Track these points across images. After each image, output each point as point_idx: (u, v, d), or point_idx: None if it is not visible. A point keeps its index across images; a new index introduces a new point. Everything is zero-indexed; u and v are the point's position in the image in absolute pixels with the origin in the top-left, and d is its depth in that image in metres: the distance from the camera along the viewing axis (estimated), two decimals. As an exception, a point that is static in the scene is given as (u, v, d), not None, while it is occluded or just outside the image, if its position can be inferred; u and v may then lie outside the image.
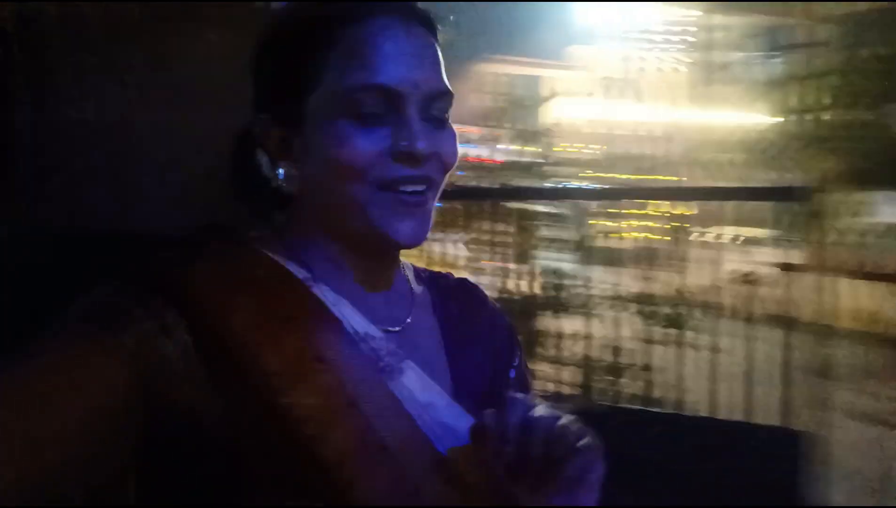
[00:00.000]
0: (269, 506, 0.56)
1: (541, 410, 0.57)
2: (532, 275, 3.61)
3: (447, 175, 0.68)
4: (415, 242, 0.66)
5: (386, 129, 0.63)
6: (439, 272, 0.83)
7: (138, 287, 0.58)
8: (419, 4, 0.67)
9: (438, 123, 0.66)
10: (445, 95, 0.66)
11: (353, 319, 0.66)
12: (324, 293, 0.66)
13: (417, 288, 0.76)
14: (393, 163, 0.63)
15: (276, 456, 0.56)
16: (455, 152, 0.68)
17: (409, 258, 0.79)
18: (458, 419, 0.64)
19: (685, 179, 8.47)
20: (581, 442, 0.56)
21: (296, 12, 0.68)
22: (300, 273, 0.66)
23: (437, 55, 0.67)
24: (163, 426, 0.55)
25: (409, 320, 0.71)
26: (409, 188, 0.64)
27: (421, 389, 0.65)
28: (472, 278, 0.90)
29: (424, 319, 0.74)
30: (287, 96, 0.66)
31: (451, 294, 0.79)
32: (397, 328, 0.69)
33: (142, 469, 0.56)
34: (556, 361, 3.22)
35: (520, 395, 0.59)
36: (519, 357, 0.80)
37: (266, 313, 0.61)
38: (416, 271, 0.80)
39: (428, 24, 0.67)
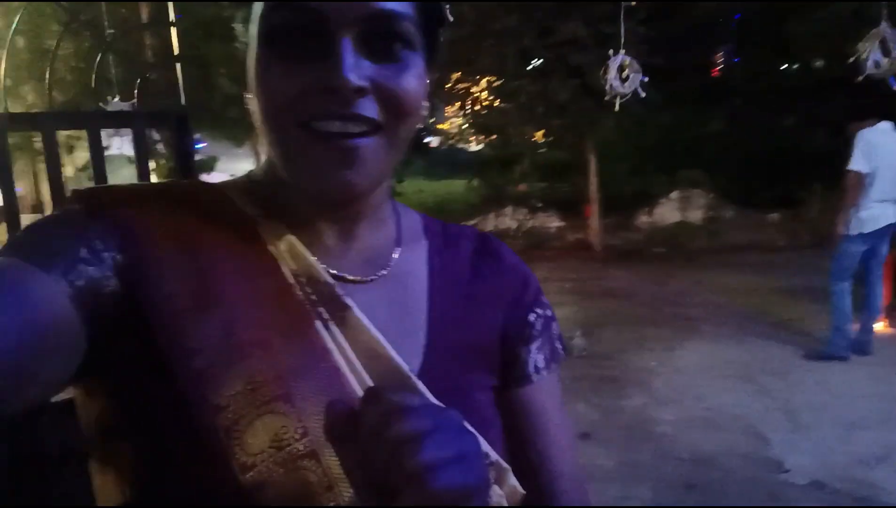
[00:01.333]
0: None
1: (413, 410, 0.44)
2: None
3: (404, 117, 0.57)
4: (342, 192, 0.56)
5: (310, 58, 0.53)
6: (457, 226, 0.75)
7: (71, 213, 0.56)
8: None
9: (385, 53, 0.55)
10: (392, 19, 0.54)
11: (299, 261, 0.60)
12: (271, 233, 0.60)
13: (413, 240, 0.70)
14: (317, 98, 0.53)
15: (165, 392, 0.52)
16: (408, 90, 0.56)
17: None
18: (400, 378, 0.57)
19: None
20: (431, 461, 0.42)
21: None
22: (251, 210, 0.62)
23: None
24: (105, 345, 0.52)
25: (383, 271, 0.65)
26: (336, 128, 0.54)
27: (364, 341, 0.58)
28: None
29: (410, 273, 0.67)
30: (238, 18, 0.59)
31: (457, 249, 0.71)
32: (362, 278, 0.63)
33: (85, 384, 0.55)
34: None
35: (395, 394, 0.45)
36: (531, 333, 0.71)
37: (188, 241, 0.57)
38: (427, 222, 0.73)
39: None
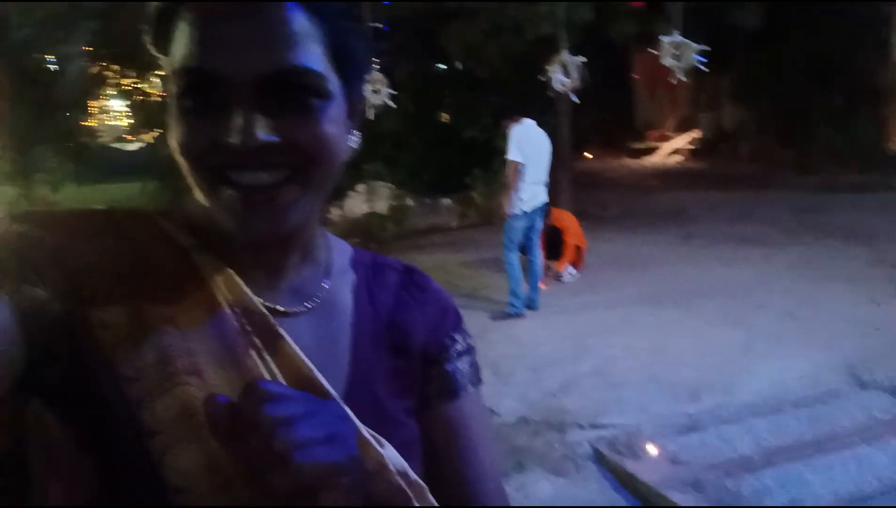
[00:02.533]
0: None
1: (286, 397, 0.50)
2: None
3: (318, 163, 0.58)
4: (263, 238, 0.58)
5: (216, 116, 0.54)
6: (384, 259, 0.77)
7: (15, 234, 0.56)
8: None
9: (293, 105, 0.56)
10: (294, 74, 0.55)
11: (232, 291, 0.61)
12: (206, 264, 0.62)
13: (341, 272, 0.72)
14: (228, 151, 0.54)
15: (100, 416, 0.55)
16: (316, 138, 0.57)
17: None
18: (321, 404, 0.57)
19: None
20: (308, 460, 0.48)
21: None
22: (186, 240, 0.63)
23: (290, 32, 0.55)
24: (42, 368, 0.53)
25: (311, 303, 0.67)
26: (250, 179, 0.55)
27: (296, 369, 0.60)
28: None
29: (336, 304, 0.69)
30: (162, 71, 0.60)
31: (383, 280, 0.74)
32: (292, 310, 0.65)
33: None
34: None
35: (271, 384, 0.52)
36: (453, 353, 0.74)
37: (125, 269, 0.59)
38: (356, 254, 0.75)
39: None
